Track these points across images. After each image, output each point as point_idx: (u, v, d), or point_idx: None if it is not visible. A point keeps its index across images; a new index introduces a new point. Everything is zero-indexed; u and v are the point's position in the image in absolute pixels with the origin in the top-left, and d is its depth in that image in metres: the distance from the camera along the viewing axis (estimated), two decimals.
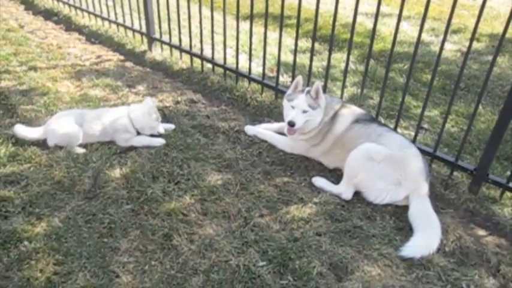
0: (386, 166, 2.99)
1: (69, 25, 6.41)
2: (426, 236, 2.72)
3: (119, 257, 2.55)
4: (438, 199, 3.16)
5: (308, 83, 4.03)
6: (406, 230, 2.85)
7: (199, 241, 2.67)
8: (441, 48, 3.13)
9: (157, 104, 4.21)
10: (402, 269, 2.56)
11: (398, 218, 2.96)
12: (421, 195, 2.96)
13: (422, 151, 3.23)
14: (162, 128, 3.67)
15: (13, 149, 3.36)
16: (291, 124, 3.26)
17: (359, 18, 3.53)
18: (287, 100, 3.38)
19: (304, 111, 3.27)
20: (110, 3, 5.89)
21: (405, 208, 2.96)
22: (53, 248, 2.56)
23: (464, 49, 5.89)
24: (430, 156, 3.38)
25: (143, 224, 2.77)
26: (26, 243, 2.57)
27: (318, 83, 3.27)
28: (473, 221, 3.01)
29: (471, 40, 2.96)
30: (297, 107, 3.29)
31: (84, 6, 6.35)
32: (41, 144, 3.45)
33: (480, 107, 3.30)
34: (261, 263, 2.53)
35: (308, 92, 3.29)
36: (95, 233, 2.70)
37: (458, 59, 5.64)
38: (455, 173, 3.35)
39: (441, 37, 6.18)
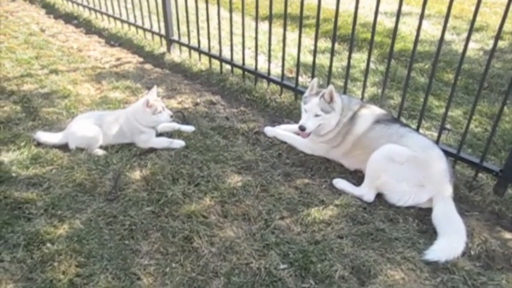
0: (409, 168, 2.93)
1: (89, 28, 6.50)
2: (451, 239, 2.66)
3: (139, 259, 2.55)
4: (462, 201, 3.09)
5: (328, 83, 3.99)
6: (429, 233, 2.79)
7: (219, 243, 2.66)
8: (465, 48, 3.06)
9: (176, 105, 4.23)
10: (426, 273, 2.51)
11: (421, 220, 2.91)
12: (445, 197, 2.90)
13: (445, 152, 3.16)
14: (168, 115, 3.52)
15: (35, 151, 3.40)
16: (302, 128, 3.26)
17: (378, 18, 3.47)
18: (303, 103, 3.37)
19: (317, 115, 3.24)
20: (129, 5, 5.93)
21: (428, 210, 2.91)
22: (75, 250, 2.57)
23: (487, 47, 5.80)
24: (453, 158, 3.31)
25: (164, 226, 2.77)
26: (48, 245, 2.60)
27: (331, 87, 3.22)
28: (500, 224, 2.93)
29: (496, 39, 2.89)
30: (309, 110, 3.26)
31: (103, 10, 6.42)
32: (63, 146, 3.49)
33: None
34: (282, 266, 2.51)
35: (322, 95, 3.25)
36: (116, 235, 2.71)
37: (481, 57, 5.53)
38: (480, 175, 3.27)
39: (462, 35, 6.16)
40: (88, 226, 2.76)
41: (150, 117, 3.46)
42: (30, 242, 2.62)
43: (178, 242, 2.67)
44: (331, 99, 3.24)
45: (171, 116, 3.55)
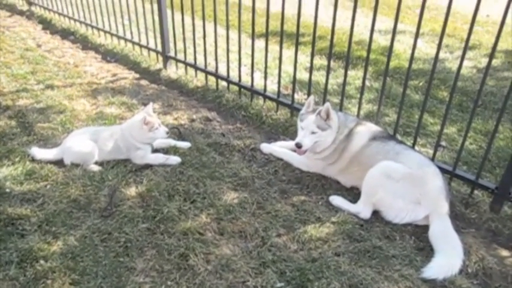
0: (406, 185, 2.94)
1: (85, 44, 6.51)
2: (448, 257, 2.65)
3: (135, 277, 2.52)
4: (459, 218, 3.09)
5: (324, 101, 4.01)
6: (426, 251, 2.79)
7: (215, 261, 2.63)
8: (459, 66, 3.10)
9: (172, 122, 4.23)
10: None
11: (418, 237, 2.90)
12: (441, 214, 2.90)
13: (441, 169, 3.17)
14: (164, 132, 3.53)
15: (30, 166, 3.38)
16: (298, 146, 3.26)
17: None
18: (299, 120, 3.37)
19: (313, 132, 3.25)
20: (126, 22, 5.97)
21: (425, 228, 2.91)
22: (69, 268, 2.54)
23: (480, 65, 5.87)
24: (449, 175, 3.32)
25: (159, 244, 2.74)
26: (42, 262, 2.56)
27: (328, 104, 3.24)
28: (496, 241, 2.94)
29: (490, 58, 2.93)
30: (306, 128, 3.27)
31: (100, 25, 6.44)
32: (58, 162, 3.46)
33: None
34: (279, 284, 2.49)
35: (319, 112, 3.27)
36: (111, 252, 2.67)
37: (474, 75, 5.59)
38: (475, 192, 3.28)
39: (455, 53, 6.24)
40: (82, 243, 2.72)
41: (146, 134, 3.46)
42: (23, 259, 2.58)
43: (174, 259, 2.64)
44: (328, 116, 3.26)
45: (167, 133, 3.55)
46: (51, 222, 2.87)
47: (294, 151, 3.55)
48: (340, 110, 3.91)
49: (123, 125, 3.65)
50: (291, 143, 3.77)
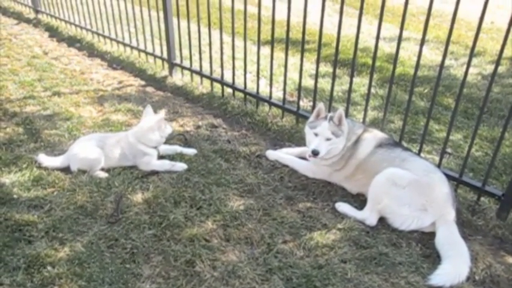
0: (412, 191, 2.93)
1: (91, 51, 6.55)
2: (455, 264, 2.64)
3: (141, 284, 2.52)
4: (465, 225, 3.08)
5: (329, 107, 4.02)
6: (433, 258, 2.78)
7: (222, 268, 2.63)
8: (465, 73, 3.11)
9: (178, 128, 4.25)
10: None
11: (424, 244, 2.89)
12: (448, 221, 2.89)
13: (447, 176, 3.17)
14: (170, 129, 3.68)
15: (37, 173, 3.40)
16: (315, 153, 3.22)
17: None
18: (309, 127, 3.36)
19: (328, 139, 3.25)
20: (132, 29, 6.00)
21: (432, 235, 2.90)
22: (75, 274, 2.55)
23: (485, 72, 5.87)
24: (455, 181, 3.32)
25: (165, 250, 2.75)
26: (49, 268, 2.57)
27: (341, 110, 3.25)
28: (503, 248, 2.93)
29: (496, 65, 2.94)
30: (320, 134, 3.26)
31: (106, 33, 6.48)
32: (64, 168, 3.48)
33: None
34: None
35: (331, 118, 3.27)
36: (117, 259, 2.68)
37: (479, 82, 5.60)
38: (482, 199, 3.27)
39: (460, 60, 6.24)
40: (89, 249, 2.73)
41: (158, 135, 3.53)
42: (30, 265, 2.59)
43: (180, 266, 2.64)
44: (340, 122, 3.26)
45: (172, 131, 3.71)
46: (58, 229, 2.89)
47: (301, 158, 3.56)
48: (346, 117, 3.91)
49: (129, 131, 3.66)
50: (297, 150, 3.79)
